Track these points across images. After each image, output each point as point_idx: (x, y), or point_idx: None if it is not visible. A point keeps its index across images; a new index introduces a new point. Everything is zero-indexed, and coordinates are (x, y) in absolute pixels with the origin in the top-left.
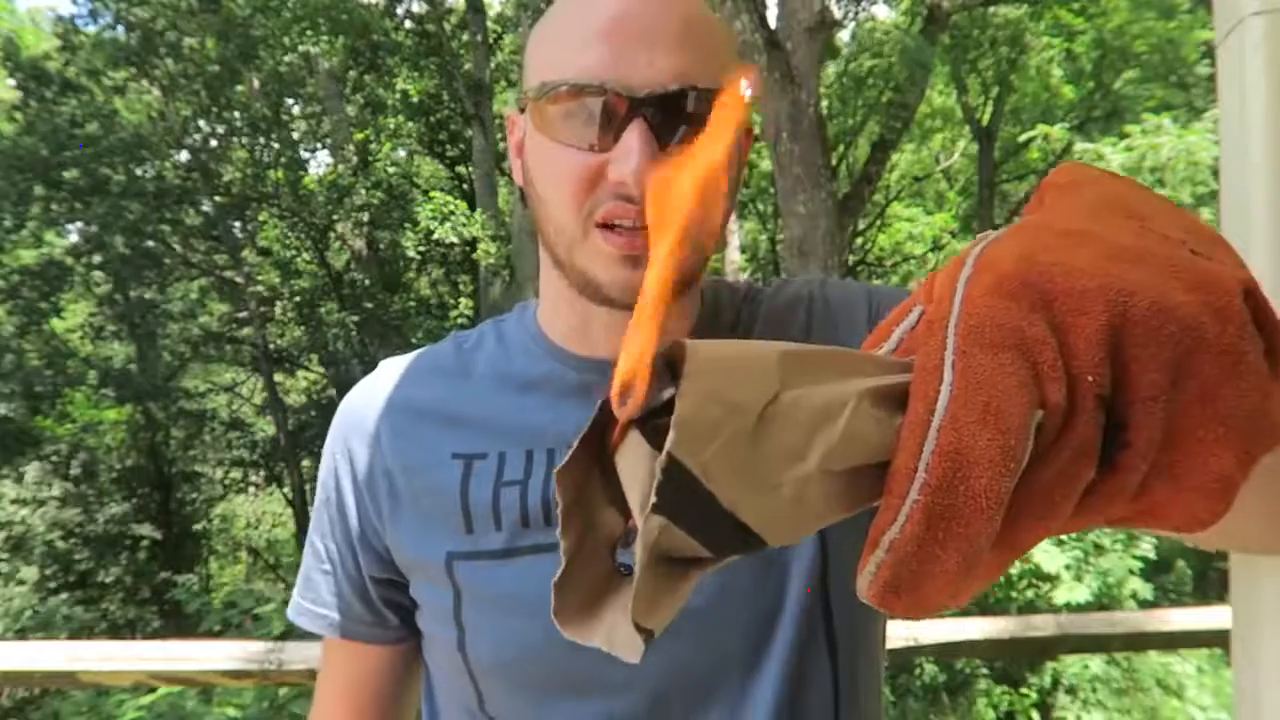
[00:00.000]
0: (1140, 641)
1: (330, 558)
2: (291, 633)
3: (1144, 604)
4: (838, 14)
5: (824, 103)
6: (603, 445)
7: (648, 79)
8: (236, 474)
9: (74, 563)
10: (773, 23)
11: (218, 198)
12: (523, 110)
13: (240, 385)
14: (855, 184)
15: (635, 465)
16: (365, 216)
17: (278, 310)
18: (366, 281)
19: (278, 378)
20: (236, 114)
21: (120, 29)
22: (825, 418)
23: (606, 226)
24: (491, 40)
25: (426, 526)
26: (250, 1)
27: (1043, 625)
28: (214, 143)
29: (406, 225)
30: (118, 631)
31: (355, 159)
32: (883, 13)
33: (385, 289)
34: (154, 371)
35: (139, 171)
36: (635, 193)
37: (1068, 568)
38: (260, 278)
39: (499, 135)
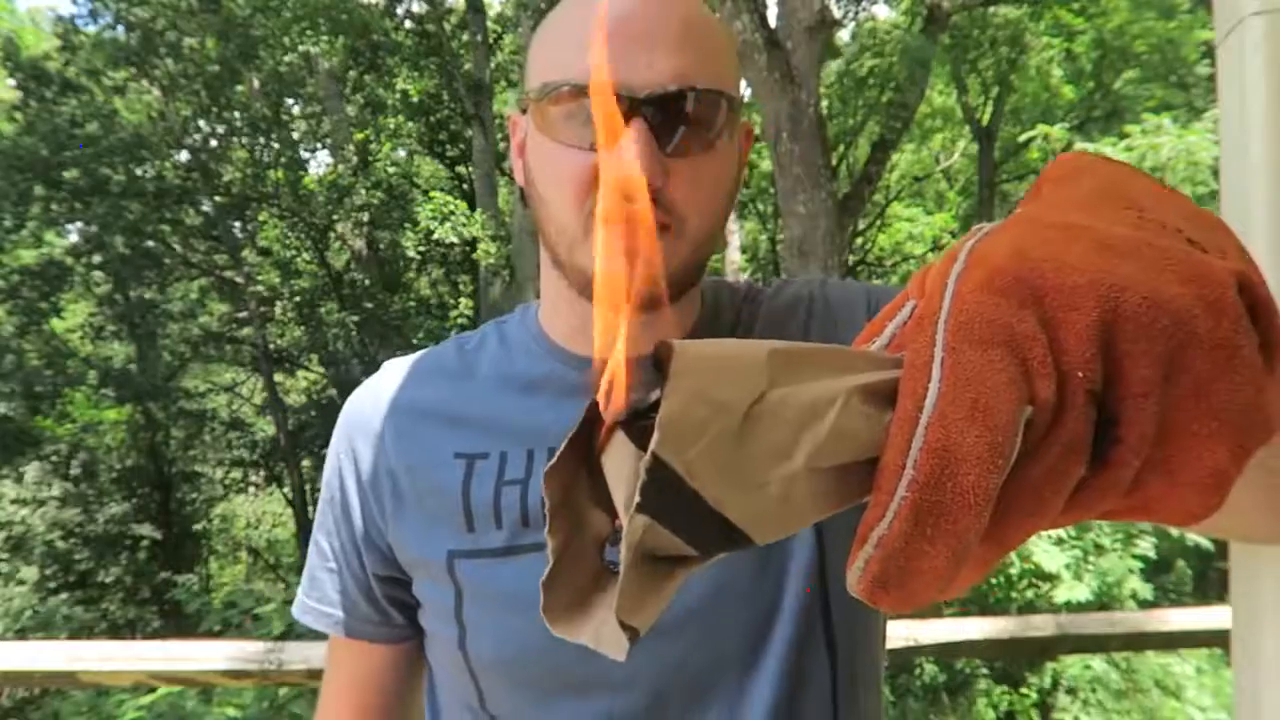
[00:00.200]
0: (1140, 641)
1: (335, 556)
2: (291, 633)
3: (1144, 604)
4: (838, 14)
5: (824, 103)
6: (591, 446)
7: (648, 80)
8: (236, 474)
9: (74, 563)
10: (773, 23)
11: (218, 198)
12: (524, 111)
13: (240, 385)
14: (855, 184)
15: (621, 465)
16: (365, 216)
17: (278, 310)
18: (366, 281)
19: (278, 378)
20: (236, 114)
21: (120, 29)
22: (813, 415)
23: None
24: (491, 40)
25: (428, 525)
26: (250, 1)
27: (1043, 625)
28: (214, 143)
29: (406, 225)
30: (118, 631)
31: (355, 159)
32: (883, 13)
33: (385, 289)
34: (154, 371)
35: (139, 171)
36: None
37: (1067, 567)
38: (260, 278)
39: (499, 135)
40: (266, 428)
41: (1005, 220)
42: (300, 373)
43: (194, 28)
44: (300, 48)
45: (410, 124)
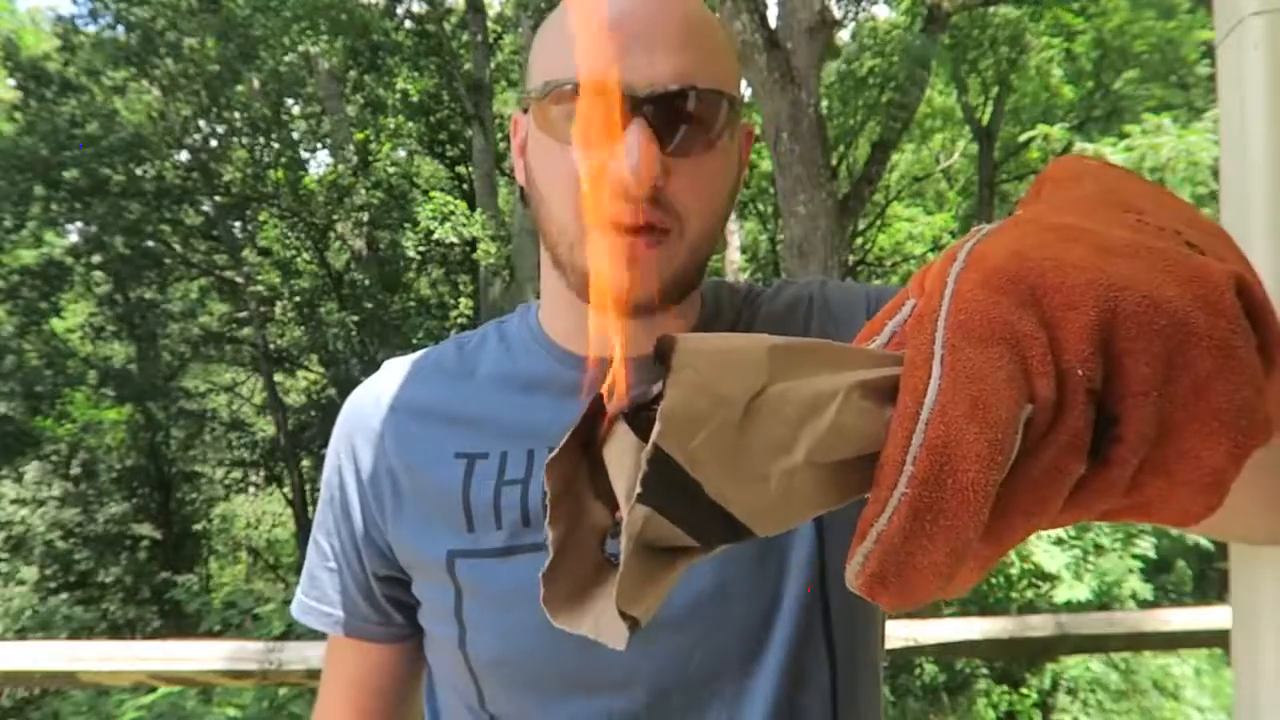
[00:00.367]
0: (1140, 641)
1: (335, 556)
2: (291, 633)
3: (1144, 604)
4: (838, 14)
5: (824, 103)
6: (593, 439)
7: (649, 79)
8: (236, 474)
9: (74, 563)
10: (773, 23)
11: (218, 198)
12: (525, 110)
13: (240, 385)
14: (855, 184)
15: (622, 456)
16: (365, 216)
17: (278, 310)
18: (366, 281)
19: (278, 378)
20: (236, 114)
21: (120, 29)
22: (813, 410)
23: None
24: (491, 40)
25: (428, 525)
26: (250, 1)
27: (1042, 625)
28: (214, 143)
29: (406, 225)
30: (118, 631)
31: (355, 159)
32: (883, 13)
33: (385, 289)
34: (154, 371)
35: (139, 171)
36: (636, 192)
37: (1067, 567)
38: (260, 278)
39: (499, 135)
40: (266, 428)
41: (1004, 221)
42: (300, 373)
43: (194, 28)
44: (300, 48)
45: (410, 124)
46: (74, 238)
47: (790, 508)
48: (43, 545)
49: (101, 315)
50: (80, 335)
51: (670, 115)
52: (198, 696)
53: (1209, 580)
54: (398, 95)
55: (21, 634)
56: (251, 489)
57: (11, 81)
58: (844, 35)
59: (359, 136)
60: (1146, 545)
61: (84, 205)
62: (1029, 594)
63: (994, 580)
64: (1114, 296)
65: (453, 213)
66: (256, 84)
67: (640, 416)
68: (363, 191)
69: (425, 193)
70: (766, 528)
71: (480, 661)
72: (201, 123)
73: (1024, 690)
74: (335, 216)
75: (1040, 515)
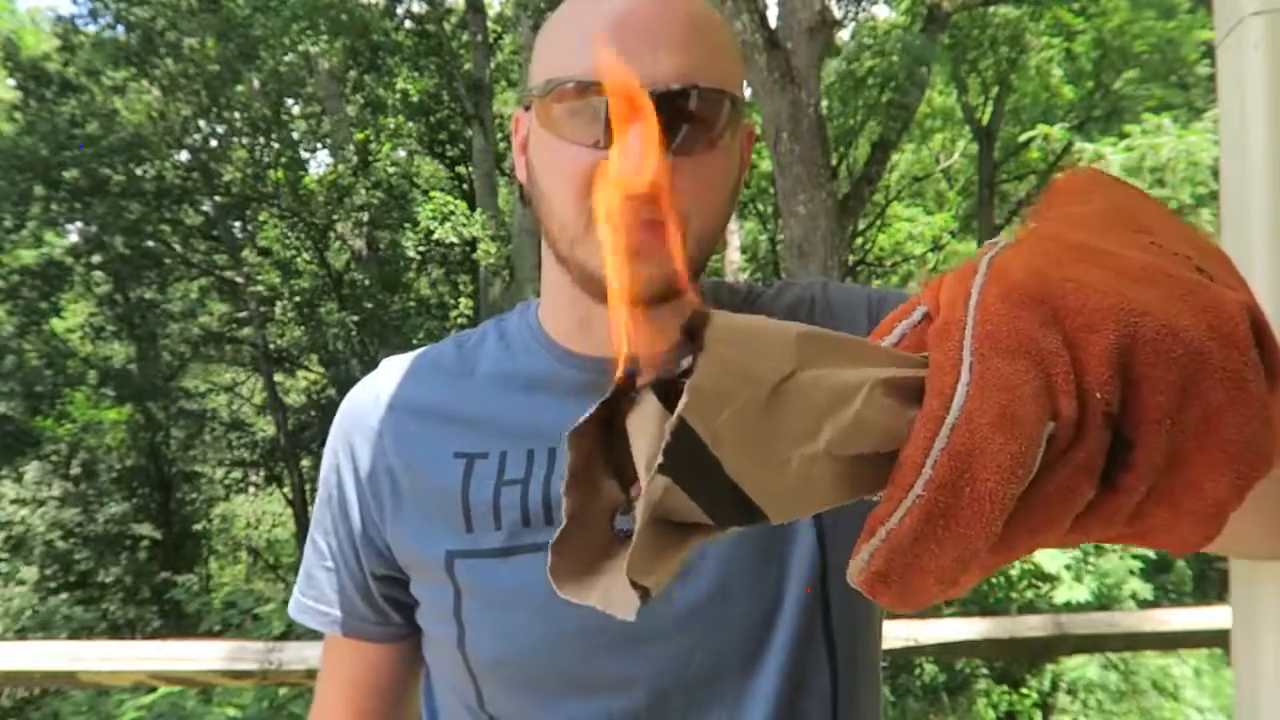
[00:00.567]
0: (1140, 642)
1: (332, 555)
2: (291, 633)
3: (1143, 604)
4: (838, 14)
5: (824, 103)
6: (611, 417)
7: (652, 77)
8: (236, 474)
9: (74, 563)
10: (773, 23)
11: (218, 198)
12: (527, 108)
13: (240, 385)
14: (855, 184)
15: (645, 425)
16: (365, 216)
17: (278, 310)
18: (366, 281)
19: (278, 378)
20: (236, 114)
21: (120, 29)
22: (839, 401)
23: None
24: (491, 40)
25: (427, 524)
26: (250, 1)
27: (1042, 625)
28: (214, 143)
29: (406, 225)
30: (118, 631)
31: (355, 159)
32: (883, 13)
33: (385, 289)
34: (154, 371)
35: (139, 171)
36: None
37: (1068, 568)
38: (260, 278)
39: (499, 135)
40: (266, 428)
41: (1021, 236)
42: (300, 373)
43: (194, 28)
44: (300, 48)
45: (410, 124)
46: (74, 238)
47: (804, 496)
48: (43, 545)
49: (101, 315)
50: (80, 335)
51: (673, 114)
52: (198, 696)
53: (1209, 580)
54: (398, 95)
55: (21, 634)
56: (251, 489)
57: (11, 81)
58: (844, 35)
59: (359, 136)
60: None
61: (84, 205)
62: (1029, 594)
63: (994, 580)
64: (1133, 322)
65: (453, 213)
66: (256, 84)
67: (666, 391)
68: (363, 191)
69: (425, 193)
70: (779, 513)
71: (479, 662)
72: (201, 123)
73: (1024, 690)
74: (335, 216)
75: (1046, 534)
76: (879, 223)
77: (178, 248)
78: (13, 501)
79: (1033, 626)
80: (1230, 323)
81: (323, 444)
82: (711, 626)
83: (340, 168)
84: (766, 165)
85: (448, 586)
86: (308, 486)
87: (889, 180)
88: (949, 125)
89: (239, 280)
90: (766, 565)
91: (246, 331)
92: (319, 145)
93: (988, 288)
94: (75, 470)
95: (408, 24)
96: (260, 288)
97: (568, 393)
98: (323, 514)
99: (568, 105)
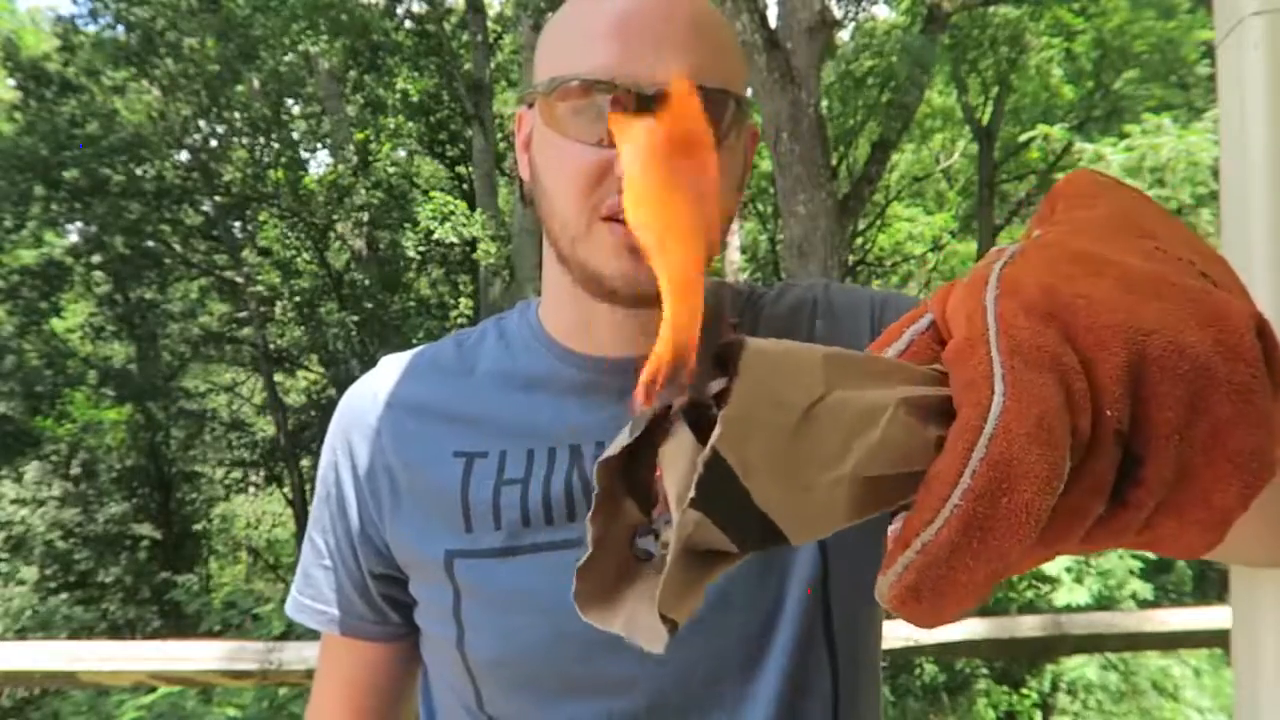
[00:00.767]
0: (1140, 642)
1: (330, 553)
2: (291, 633)
3: (1144, 604)
4: (838, 14)
5: (824, 103)
6: (644, 439)
7: (656, 77)
8: (236, 474)
9: (74, 563)
10: (773, 23)
11: (218, 198)
12: (531, 105)
13: (240, 385)
14: (855, 184)
15: (678, 455)
16: (365, 216)
17: (278, 310)
18: (366, 281)
19: (278, 378)
20: (236, 114)
21: (120, 29)
22: (865, 423)
23: (611, 220)
24: (491, 40)
25: (426, 524)
26: (250, 1)
27: (1042, 625)
28: (214, 143)
29: (406, 225)
30: (118, 631)
31: (355, 159)
32: (883, 13)
33: (385, 289)
34: (154, 371)
35: (139, 171)
36: None
37: (1068, 569)
38: (260, 278)
39: (499, 135)
40: (266, 428)
41: (1028, 244)
42: (300, 373)
43: (194, 28)
44: (300, 48)
45: (410, 124)
46: (74, 238)
47: (826, 518)
48: (43, 545)
49: (101, 315)
50: (80, 335)
51: None
52: (198, 696)
53: (1209, 580)
54: (398, 95)
55: (21, 634)
56: (251, 489)
57: (11, 81)
58: (844, 35)
59: (359, 136)
60: None
61: (84, 205)
62: (1029, 594)
63: None
64: (1141, 340)
65: (453, 213)
66: (256, 84)
67: (696, 418)
68: (363, 191)
69: (425, 193)
70: (801, 536)
71: (479, 662)
72: (201, 123)
73: (1024, 690)
74: (335, 216)
75: (1055, 547)
76: (879, 223)
77: (178, 248)
78: (13, 501)
79: (1032, 627)
80: (1236, 335)
81: (322, 444)
82: (712, 633)
83: (340, 168)
84: (766, 165)
85: (447, 586)
86: (308, 486)
87: (889, 180)
88: (949, 125)
89: (239, 280)
90: (767, 568)
91: (246, 331)
92: (319, 145)
93: (1003, 301)
94: (75, 470)
95: (408, 24)
96: (260, 288)
97: (568, 392)
98: (321, 512)
99: (572, 104)
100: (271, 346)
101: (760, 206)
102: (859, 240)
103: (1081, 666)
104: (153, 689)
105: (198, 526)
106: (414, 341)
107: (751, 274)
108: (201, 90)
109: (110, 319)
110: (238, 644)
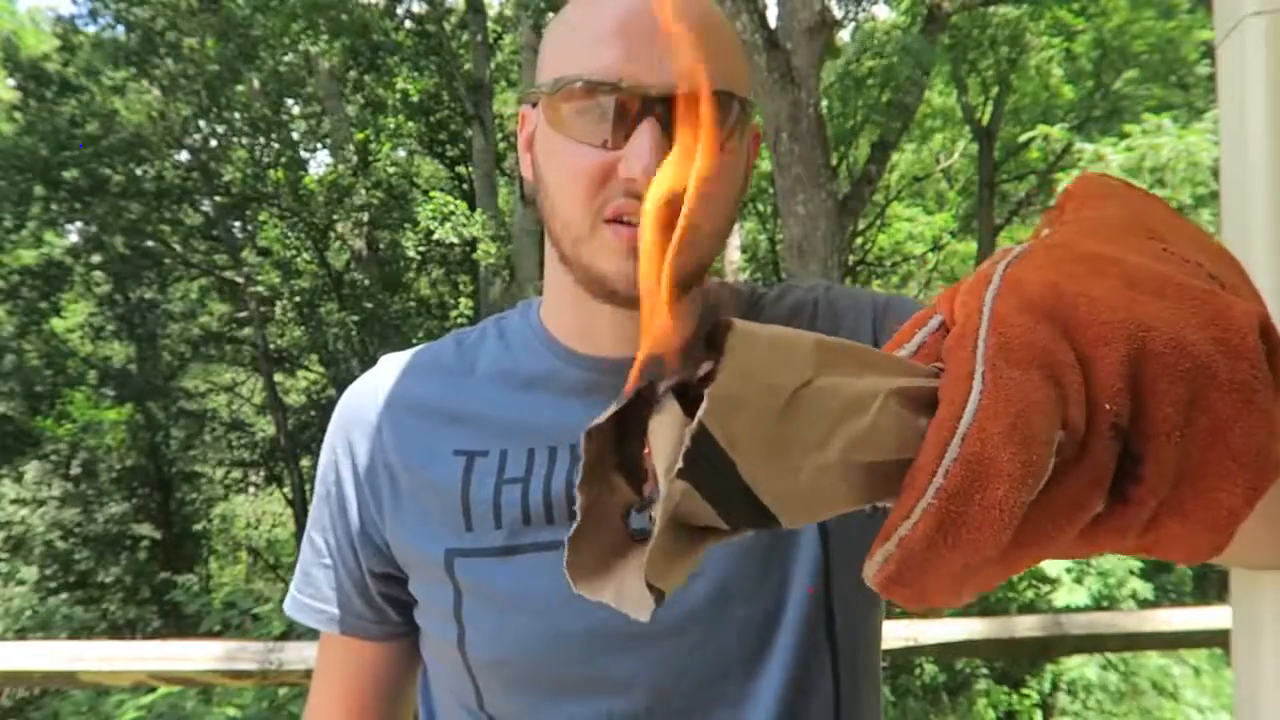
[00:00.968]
0: (1140, 642)
1: (330, 553)
2: (291, 633)
3: (1144, 604)
4: (838, 14)
5: (824, 103)
6: (627, 416)
7: (660, 78)
8: (236, 474)
9: (74, 563)
10: (773, 23)
11: (218, 198)
12: (534, 105)
13: (240, 385)
14: (855, 184)
15: (665, 428)
16: (365, 216)
17: (278, 310)
18: (366, 281)
19: (278, 378)
20: (236, 114)
21: (120, 29)
22: (854, 409)
23: (615, 221)
24: (491, 40)
25: (426, 523)
26: (250, 1)
27: (1042, 625)
28: (214, 143)
29: (406, 225)
30: (118, 631)
31: (355, 159)
32: (883, 13)
33: (385, 289)
34: (154, 371)
35: (139, 171)
36: (645, 190)
37: (1068, 570)
38: (260, 278)
39: (499, 135)
40: (266, 428)
41: (1034, 244)
42: (300, 373)
43: (194, 28)
44: (300, 48)
45: (410, 124)
46: (74, 238)
47: (817, 502)
48: (43, 545)
49: (101, 315)
50: (80, 335)
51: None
52: (198, 696)
53: (1209, 580)
54: (398, 95)
55: (21, 634)
56: (251, 489)
57: (11, 81)
58: (844, 35)
59: (359, 136)
60: None
61: (84, 205)
62: (1029, 594)
63: None
64: (1142, 336)
65: (453, 213)
66: (256, 84)
67: (685, 395)
68: (363, 191)
69: (425, 193)
70: (791, 519)
71: (479, 662)
72: (201, 123)
73: (1024, 690)
74: (335, 216)
75: (1053, 544)
76: (879, 223)
77: (178, 248)
78: (13, 501)
79: (1032, 626)
80: (1238, 334)
81: (322, 443)
82: (711, 628)
83: (340, 168)
84: (766, 165)
85: (447, 586)
86: (307, 486)
87: (889, 180)
88: (949, 125)
89: (239, 280)
90: (768, 567)
91: (246, 331)
92: (319, 145)
93: (1002, 298)
94: (75, 470)
95: (408, 24)
96: (260, 288)
97: (569, 392)
98: (320, 511)
99: (575, 104)
100: (271, 346)
101: (760, 206)
102: (859, 240)
103: (1081, 666)
104: (153, 689)
105: (198, 526)
106: (414, 341)
107: (751, 274)
108: (201, 90)
109: (110, 319)
110: (238, 644)
